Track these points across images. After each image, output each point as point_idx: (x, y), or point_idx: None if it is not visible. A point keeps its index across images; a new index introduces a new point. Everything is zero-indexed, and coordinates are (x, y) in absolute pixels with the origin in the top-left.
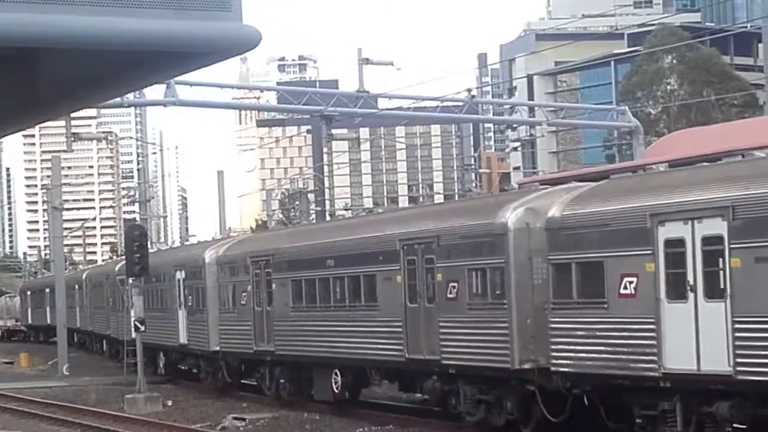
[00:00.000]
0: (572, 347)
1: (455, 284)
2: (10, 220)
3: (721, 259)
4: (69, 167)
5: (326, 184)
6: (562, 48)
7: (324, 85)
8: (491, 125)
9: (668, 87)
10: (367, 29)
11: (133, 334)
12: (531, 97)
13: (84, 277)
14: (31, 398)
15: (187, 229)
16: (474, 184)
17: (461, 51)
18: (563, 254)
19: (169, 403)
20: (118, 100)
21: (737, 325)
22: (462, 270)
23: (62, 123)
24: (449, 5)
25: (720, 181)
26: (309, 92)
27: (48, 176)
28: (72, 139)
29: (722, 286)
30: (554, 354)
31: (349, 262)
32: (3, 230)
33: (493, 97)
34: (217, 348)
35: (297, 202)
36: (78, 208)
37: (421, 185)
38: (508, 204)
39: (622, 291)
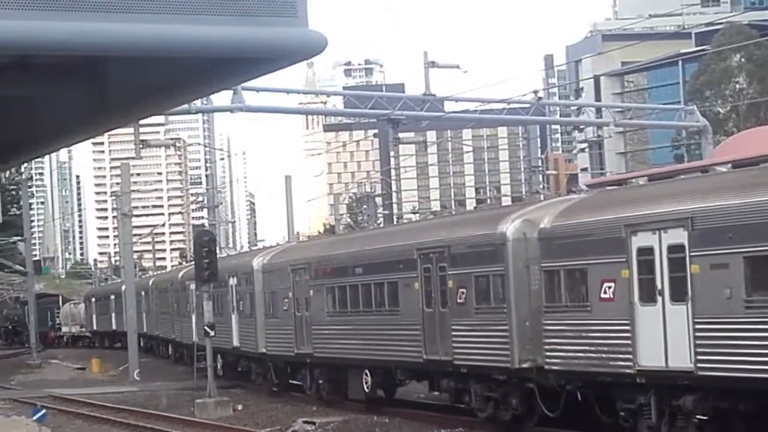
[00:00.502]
0: (562, 347)
1: (464, 290)
2: (80, 227)
3: (683, 266)
4: (138, 174)
5: (393, 188)
6: (629, 48)
7: (390, 89)
8: (558, 127)
9: (737, 86)
10: (433, 32)
11: (194, 337)
12: (598, 97)
13: (150, 283)
14: (103, 404)
15: (255, 234)
16: (542, 186)
17: (527, 53)
18: (554, 262)
19: (239, 407)
20: (185, 106)
21: (697, 326)
22: (469, 277)
23: (131, 130)
24: (515, 7)
25: (682, 194)
26: (375, 96)
27: (117, 183)
28: (141, 146)
29: (685, 290)
30: (548, 354)
31: (374, 269)
32: (74, 237)
33: (559, 98)
34: (264, 350)
35: (364, 206)
36: (147, 215)
37: (488, 187)
38: (508, 216)
39: (603, 295)
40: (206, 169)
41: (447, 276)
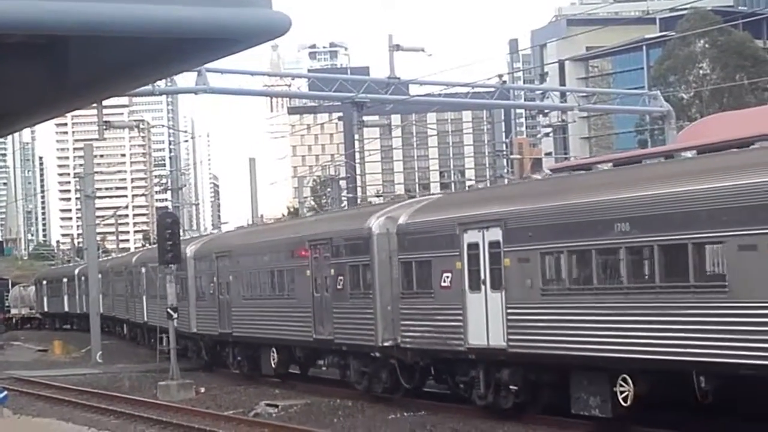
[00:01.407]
0: (414, 328)
1: (342, 277)
2: (43, 208)
3: (499, 259)
4: (101, 156)
5: (358, 171)
6: (594, 33)
7: (355, 72)
8: (523, 111)
9: (700, 71)
10: (397, 15)
11: (146, 317)
12: (562, 82)
13: (107, 266)
14: (65, 386)
15: (219, 216)
16: (506, 170)
17: (492, 37)
18: (407, 254)
19: (202, 390)
20: (149, 88)
21: (508, 310)
22: (345, 266)
23: (94, 111)
24: None
25: (501, 199)
26: (340, 79)
27: (81, 165)
28: (104, 127)
29: (500, 280)
30: (403, 334)
31: (278, 258)
32: (36, 219)
33: (524, 82)
34: (196, 330)
35: (329, 189)
36: (110, 197)
37: (452, 171)
38: (375, 213)
39: (443, 284)
40: (170, 151)
41: (329, 264)
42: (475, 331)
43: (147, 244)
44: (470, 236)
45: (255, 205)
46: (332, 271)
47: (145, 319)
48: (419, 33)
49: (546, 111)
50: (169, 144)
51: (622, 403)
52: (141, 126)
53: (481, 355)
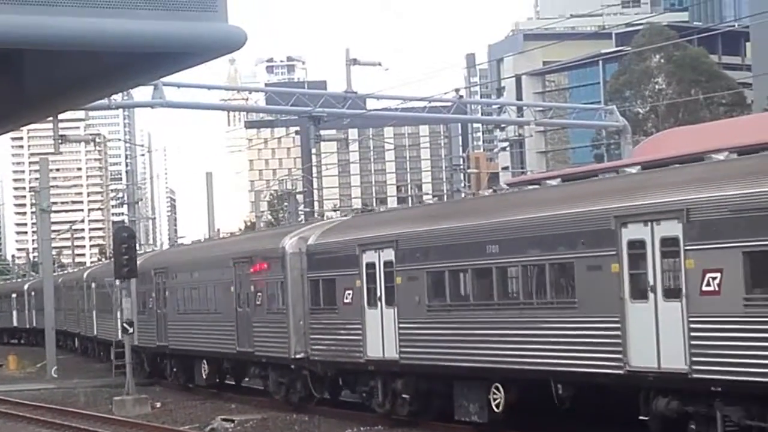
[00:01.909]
0: (321, 342)
1: (260, 293)
2: None
3: (393, 277)
4: (57, 169)
5: (315, 185)
6: (550, 48)
7: (312, 86)
8: (480, 125)
9: (656, 86)
10: (355, 30)
11: (95, 331)
12: (519, 97)
13: (59, 281)
14: (20, 401)
15: (176, 230)
16: (463, 185)
17: (449, 51)
18: (315, 273)
19: (158, 405)
20: (105, 101)
21: (400, 325)
22: (264, 282)
23: (50, 125)
24: (437, 6)
25: (392, 222)
26: (297, 93)
27: (36, 178)
28: (60, 141)
29: (393, 297)
30: (312, 347)
31: (202, 274)
32: None
33: (481, 97)
34: (137, 343)
35: (285, 204)
36: (66, 211)
37: (410, 186)
38: (288, 233)
39: (345, 300)
40: (126, 165)
41: (250, 281)
42: (373, 344)
43: (103, 259)
44: (368, 256)
45: (212, 220)
46: (252, 287)
47: (95, 333)
48: (376, 47)
49: (503, 125)
50: (126, 158)
51: (495, 409)
52: (97, 140)
53: (378, 366)
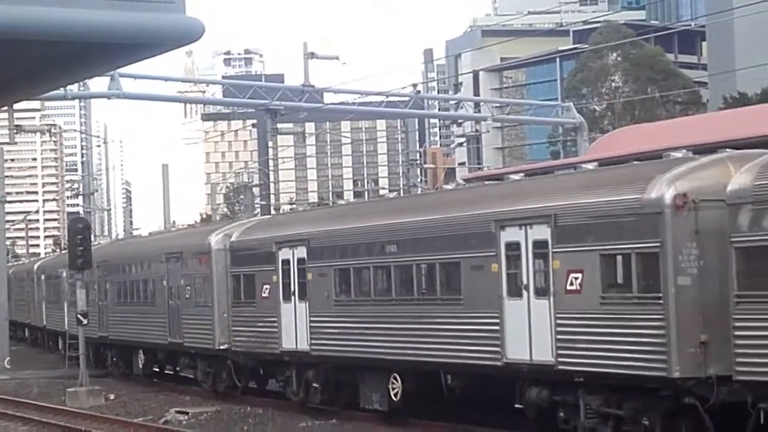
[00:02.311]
0: (242, 334)
1: (189, 287)
2: None
3: (305, 273)
4: (12, 159)
5: (271, 179)
6: (508, 44)
7: (269, 80)
8: (437, 121)
9: (613, 84)
10: (313, 23)
11: (44, 321)
12: (476, 92)
13: (10, 272)
14: None
15: (131, 222)
16: (419, 179)
17: (407, 46)
18: (237, 268)
19: (111, 396)
20: (61, 92)
21: (311, 318)
22: (192, 277)
23: (5, 115)
24: (395, 1)
25: (306, 221)
26: (254, 86)
27: None
28: (15, 131)
29: (306, 291)
30: (234, 338)
31: (138, 268)
32: None
33: (438, 92)
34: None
35: (242, 196)
36: (21, 201)
37: (366, 180)
38: (215, 230)
39: (263, 295)
40: (82, 156)
41: (180, 275)
42: (287, 336)
43: (58, 250)
44: (284, 253)
45: (167, 212)
46: (182, 281)
47: (45, 323)
48: (334, 41)
49: (460, 121)
50: (81, 149)
51: (394, 398)
52: (53, 130)
53: (292, 357)
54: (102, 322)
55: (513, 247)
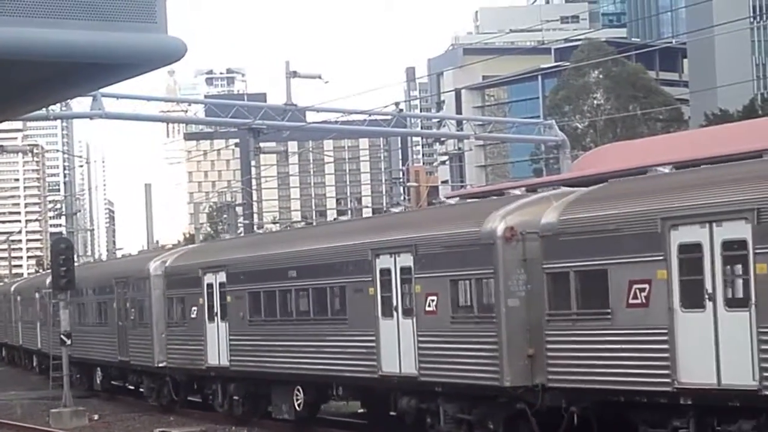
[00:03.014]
0: (175, 351)
1: (134, 309)
2: None
3: (226, 297)
4: None
5: (254, 198)
6: (490, 62)
7: (252, 99)
8: (419, 139)
9: (594, 101)
10: (295, 42)
11: (21, 341)
12: (459, 110)
13: None
14: None
15: (114, 242)
16: (402, 198)
17: (389, 65)
18: (171, 291)
19: (95, 417)
20: (43, 112)
21: (230, 337)
22: (135, 300)
23: None
24: (377, 18)
25: (224, 249)
26: (237, 105)
27: None
28: None
29: (226, 312)
30: (169, 356)
31: (96, 291)
32: None
33: (421, 110)
34: (47, 351)
35: (225, 216)
36: (3, 221)
37: (349, 199)
38: (153, 257)
39: (192, 315)
40: (64, 176)
41: (126, 299)
42: (212, 353)
43: (40, 270)
44: (208, 278)
45: (151, 232)
46: (128, 304)
47: (21, 342)
48: (317, 60)
49: (442, 139)
50: (64, 169)
51: (297, 408)
52: (35, 150)
53: (216, 372)
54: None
55: (385, 273)
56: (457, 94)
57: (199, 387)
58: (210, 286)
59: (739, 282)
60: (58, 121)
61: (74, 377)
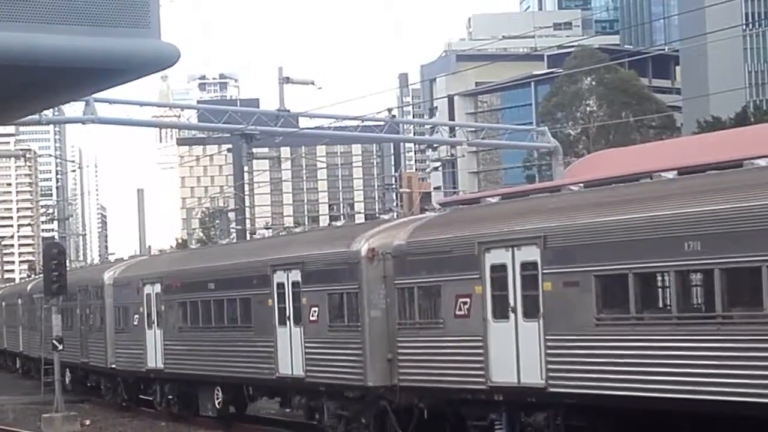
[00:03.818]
0: (122, 355)
1: (93, 315)
2: None
3: (161, 304)
4: None
5: (247, 203)
6: (483, 69)
7: (245, 104)
8: (412, 145)
9: (587, 108)
10: (288, 48)
11: (5, 344)
12: (452, 117)
13: None
14: None
15: (106, 247)
16: (395, 204)
17: (382, 71)
18: (118, 301)
19: (87, 422)
20: (36, 117)
21: (165, 342)
22: (94, 307)
23: None
24: (370, 25)
25: (160, 263)
26: (229, 111)
27: None
28: None
29: (162, 319)
30: (117, 359)
31: (64, 298)
32: None
33: (413, 117)
34: (26, 352)
35: (217, 221)
36: None
37: (342, 204)
38: (107, 269)
39: (134, 323)
40: (57, 181)
41: (86, 305)
42: (151, 356)
43: (33, 275)
44: (147, 288)
45: (143, 236)
46: (87, 310)
47: (5, 345)
48: (309, 66)
49: (435, 145)
50: (56, 174)
51: (217, 406)
52: (27, 155)
53: (155, 374)
54: (42, 344)
55: (281, 286)
56: (450, 100)
57: (144, 387)
58: (149, 296)
59: (532, 297)
60: (51, 125)
61: (67, 382)
